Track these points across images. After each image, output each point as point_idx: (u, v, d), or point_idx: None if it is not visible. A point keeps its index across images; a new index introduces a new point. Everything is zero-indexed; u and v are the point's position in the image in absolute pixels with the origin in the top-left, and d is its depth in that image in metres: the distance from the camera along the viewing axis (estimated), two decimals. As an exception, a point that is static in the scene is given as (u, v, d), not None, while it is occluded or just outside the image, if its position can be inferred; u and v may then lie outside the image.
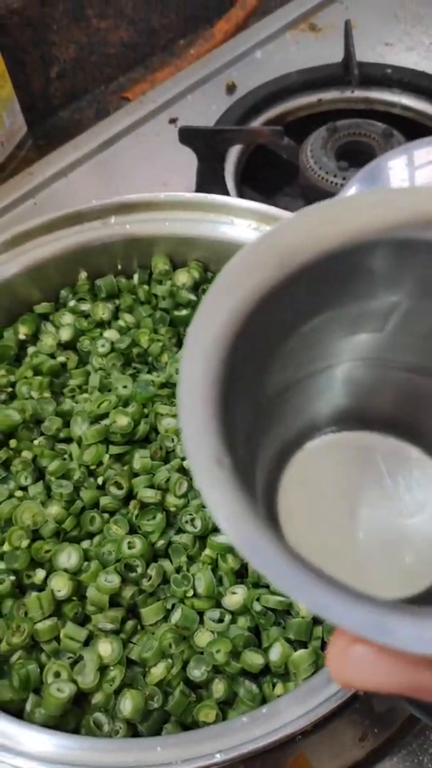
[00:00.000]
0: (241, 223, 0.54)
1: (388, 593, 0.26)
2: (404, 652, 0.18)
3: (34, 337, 0.54)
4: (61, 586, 0.43)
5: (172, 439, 0.48)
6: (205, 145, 0.71)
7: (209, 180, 0.71)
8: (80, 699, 0.41)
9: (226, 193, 0.68)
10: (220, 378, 0.21)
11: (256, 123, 0.78)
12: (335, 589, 0.19)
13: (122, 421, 0.47)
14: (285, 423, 0.29)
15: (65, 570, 0.43)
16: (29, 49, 0.83)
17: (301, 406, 0.29)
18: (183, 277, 0.55)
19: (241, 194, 0.70)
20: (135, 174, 0.76)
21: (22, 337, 0.53)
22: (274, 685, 0.41)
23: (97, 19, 0.88)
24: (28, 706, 0.40)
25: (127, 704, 0.39)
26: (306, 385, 0.29)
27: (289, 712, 0.35)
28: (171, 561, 0.45)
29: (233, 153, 0.73)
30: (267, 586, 0.43)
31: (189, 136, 0.72)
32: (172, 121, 0.80)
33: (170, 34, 0.96)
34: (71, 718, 0.40)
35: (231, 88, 0.82)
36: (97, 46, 0.89)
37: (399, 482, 0.29)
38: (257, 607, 0.42)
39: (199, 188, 0.71)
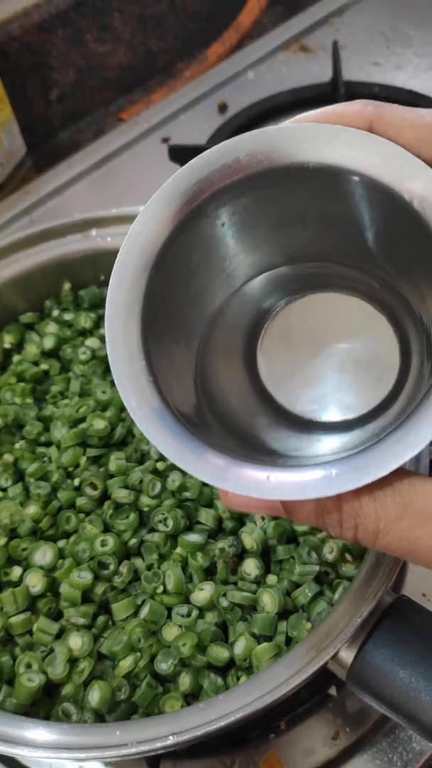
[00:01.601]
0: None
1: (344, 413, 0.35)
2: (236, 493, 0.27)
3: (19, 346, 0.56)
4: (35, 582, 0.44)
5: (147, 443, 0.49)
6: (194, 162, 0.74)
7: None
8: (50, 690, 0.42)
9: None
10: (144, 290, 0.29)
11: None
12: (196, 451, 0.27)
13: (99, 424, 0.49)
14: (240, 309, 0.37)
15: (40, 567, 0.45)
16: (29, 74, 0.86)
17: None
18: (164, 288, 0.57)
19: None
20: (128, 191, 0.78)
21: (7, 346, 0.55)
22: (238, 678, 0.42)
23: (95, 43, 0.91)
24: (0, 696, 0.41)
25: (95, 695, 0.41)
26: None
27: (244, 698, 0.36)
28: (143, 559, 0.46)
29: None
30: (235, 583, 0.45)
31: (179, 154, 0.75)
32: (165, 140, 0.83)
33: (168, 57, 0.99)
34: (41, 707, 0.41)
35: (223, 108, 0.85)
36: (96, 69, 0.92)
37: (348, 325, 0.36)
38: (224, 602, 0.43)
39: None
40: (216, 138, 0.79)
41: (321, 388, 0.36)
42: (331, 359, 0.36)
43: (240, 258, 0.35)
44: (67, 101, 0.92)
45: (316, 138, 0.29)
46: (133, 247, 0.30)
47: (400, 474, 0.27)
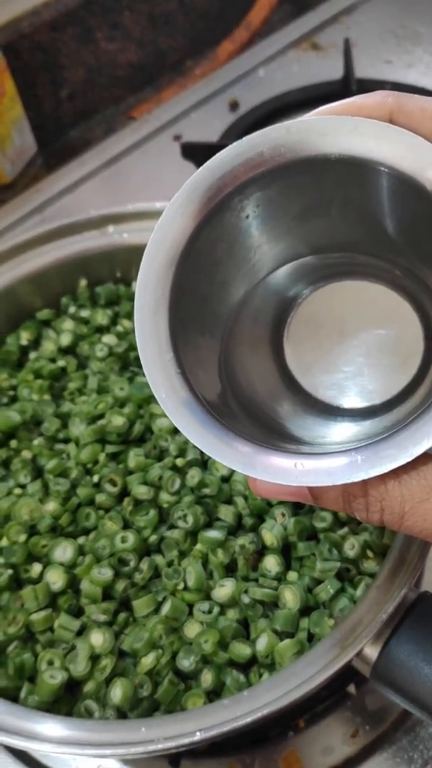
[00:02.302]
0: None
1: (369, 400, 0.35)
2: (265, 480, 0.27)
3: (36, 343, 0.56)
4: (56, 578, 0.44)
5: (166, 439, 0.49)
6: (207, 159, 0.73)
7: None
8: (73, 687, 0.42)
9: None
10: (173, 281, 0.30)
11: (258, 139, 0.80)
12: (225, 440, 0.28)
13: (118, 421, 0.49)
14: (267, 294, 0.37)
15: (61, 564, 0.45)
16: (40, 72, 0.86)
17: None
18: (180, 284, 0.57)
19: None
20: (140, 189, 0.78)
21: (24, 342, 0.55)
22: (260, 675, 0.42)
23: (105, 42, 0.91)
24: (22, 693, 0.41)
25: (117, 692, 0.40)
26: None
27: (268, 695, 0.36)
28: (163, 555, 0.46)
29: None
30: (256, 580, 0.45)
31: (191, 151, 0.75)
32: (177, 138, 0.83)
33: (178, 55, 0.99)
34: (63, 704, 0.41)
35: (234, 106, 0.85)
36: (106, 67, 0.92)
37: (372, 313, 0.37)
38: (245, 599, 0.43)
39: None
40: (228, 136, 0.79)
41: (346, 375, 0.37)
42: (356, 346, 0.37)
43: (265, 249, 0.35)
44: (78, 99, 0.92)
45: (337, 130, 0.29)
46: (160, 243, 0.30)
47: (424, 458, 0.28)
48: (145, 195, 0.77)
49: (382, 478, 0.28)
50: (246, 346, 0.36)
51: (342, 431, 0.35)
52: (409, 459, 0.26)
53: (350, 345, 0.36)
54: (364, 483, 0.28)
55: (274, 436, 0.33)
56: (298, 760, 0.48)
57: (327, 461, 0.27)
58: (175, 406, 0.28)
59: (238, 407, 0.33)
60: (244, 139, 0.31)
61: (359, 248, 0.36)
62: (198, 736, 0.34)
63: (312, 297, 0.38)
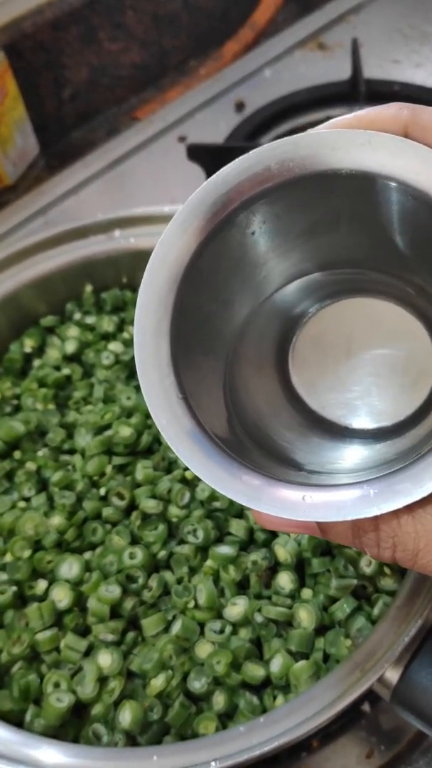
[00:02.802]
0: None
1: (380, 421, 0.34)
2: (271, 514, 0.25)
3: (40, 350, 0.55)
4: (62, 596, 0.43)
5: (175, 450, 0.48)
6: (213, 161, 0.72)
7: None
8: (80, 710, 0.40)
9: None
10: (174, 305, 0.28)
11: (265, 140, 0.79)
12: (229, 470, 0.26)
13: (125, 432, 0.47)
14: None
15: (66, 580, 0.43)
16: (42, 72, 0.85)
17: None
18: (187, 290, 0.55)
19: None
20: (144, 191, 0.77)
21: (28, 350, 0.54)
22: (275, 697, 0.40)
23: (108, 41, 0.89)
24: (28, 717, 0.40)
25: (126, 715, 0.39)
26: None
27: (286, 721, 0.34)
28: (172, 572, 0.44)
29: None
30: (269, 597, 0.43)
31: (197, 153, 0.73)
32: (182, 139, 0.81)
33: (181, 55, 0.98)
34: (70, 728, 0.39)
35: (240, 107, 0.83)
36: (109, 68, 0.91)
37: (382, 330, 0.35)
38: (258, 618, 0.42)
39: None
40: (234, 137, 0.78)
41: (355, 394, 0.35)
42: (365, 365, 0.35)
43: (271, 266, 0.34)
44: (80, 100, 0.90)
45: (349, 143, 0.28)
46: (162, 260, 0.29)
47: None
48: (150, 197, 0.75)
49: (395, 512, 0.26)
50: (251, 367, 0.35)
51: (352, 455, 0.34)
52: (424, 494, 0.24)
53: (359, 364, 0.35)
54: (376, 517, 0.26)
55: (282, 464, 0.31)
56: (311, 782, 0.46)
57: (337, 494, 0.25)
58: (177, 435, 0.27)
59: (243, 433, 0.32)
60: (250, 152, 0.29)
61: (369, 264, 0.35)
62: (213, 766, 0.33)
63: (319, 315, 0.36)
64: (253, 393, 0.34)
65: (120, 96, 0.94)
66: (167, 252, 0.29)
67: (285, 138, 0.29)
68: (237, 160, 0.29)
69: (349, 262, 0.35)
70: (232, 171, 0.29)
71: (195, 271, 0.29)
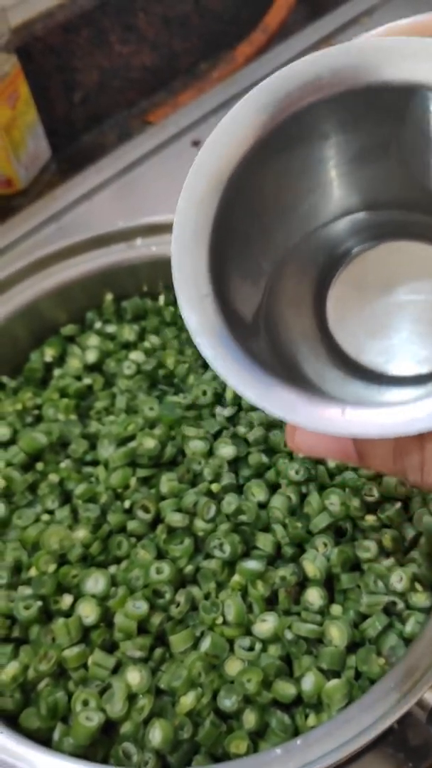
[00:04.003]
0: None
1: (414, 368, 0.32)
2: (308, 428, 0.24)
3: (60, 360, 0.54)
4: (88, 612, 0.42)
5: (200, 462, 0.47)
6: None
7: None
8: (108, 728, 0.40)
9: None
10: (216, 218, 0.27)
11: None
12: (265, 383, 0.25)
13: (149, 443, 0.47)
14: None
15: (93, 595, 0.42)
16: (53, 75, 0.84)
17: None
18: (209, 299, 0.55)
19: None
20: (158, 196, 0.76)
21: (48, 359, 0.53)
22: (306, 716, 0.39)
23: (119, 44, 0.89)
24: (56, 735, 0.39)
25: (156, 734, 0.38)
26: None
27: (324, 744, 0.34)
28: (200, 587, 0.44)
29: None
30: (298, 614, 0.43)
31: (212, 158, 0.73)
32: (195, 143, 0.80)
33: (192, 58, 0.97)
34: (100, 747, 0.39)
35: (253, 111, 0.83)
36: (120, 70, 0.90)
37: (426, 276, 0.33)
38: (288, 635, 0.41)
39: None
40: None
41: (394, 339, 0.34)
42: (406, 310, 0.34)
43: (315, 197, 0.32)
44: (90, 103, 0.90)
45: (402, 52, 0.26)
46: (207, 162, 0.28)
47: None
48: (164, 203, 0.74)
49: None
50: (288, 303, 0.33)
51: (389, 399, 0.32)
52: None
53: (400, 309, 0.34)
54: (421, 438, 0.25)
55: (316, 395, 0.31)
56: (339, 799, 0.46)
57: (378, 411, 0.24)
58: (212, 346, 0.26)
59: (278, 364, 0.31)
60: (300, 60, 0.27)
61: (417, 206, 0.33)
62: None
63: (361, 257, 0.35)
64: (289, 330, 0.33)
65: (130, 99, 0.94)
66: (212, 155, 0.28)
67: (337, 45, 0.27)
68: (287, 67, 0.27)
69: (397, 201, 0.33)
70: (280, 79, 0.27)
71: (239, 184, 0.28)
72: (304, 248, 0.34)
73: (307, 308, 0.34)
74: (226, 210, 0.27)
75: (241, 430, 0.49)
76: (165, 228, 0.54)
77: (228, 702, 0.40)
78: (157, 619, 0.42)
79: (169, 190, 0.75)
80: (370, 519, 0.45)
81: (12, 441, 0.49)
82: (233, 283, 0.28)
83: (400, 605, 0.42)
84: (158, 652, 0.42)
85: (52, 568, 0.43)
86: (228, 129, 0.28)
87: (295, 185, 0.31)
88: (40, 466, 0.48)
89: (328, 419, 0.24)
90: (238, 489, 0.47)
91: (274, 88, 0.27)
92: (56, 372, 0.53)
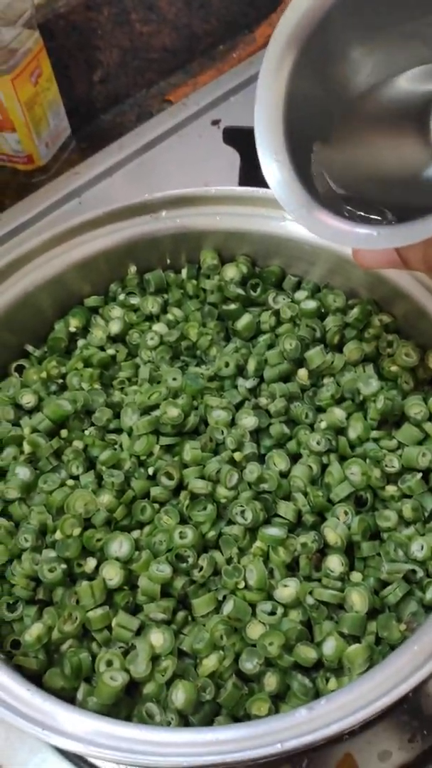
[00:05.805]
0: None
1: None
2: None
3: (85, 330, 0.54)
4: (112, 574, 0.42)
5: (222, 432, 0.47)
6: (250, 144, 0.71)
7: (253, 179, 0.71)
8: (131, 689, 0.40)
9: (270, 192, 0.68)
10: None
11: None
12: (327, 217, 0.36)
13: (173, 412, 0.47)
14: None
15: (117, 559, 0.43)
16: (74, 53, 0.84)
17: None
18: (231, 272, 0.55)
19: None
20: (177, 175, 0.76)
21: (72, 329, 0.53)
22: (327, 680, 0.40)
23: (140, 23, 0.88)
24: (79, 695, 0.40)
25: (179, 695, 0.39)
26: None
27: (349, 705, 0.34)
28: (222, 552, 0.44)
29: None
30: (318, 580, 0.43)
31: (233, 136, 0.73)
32: (215, 122, 0.80)
33: (211, 39, 0.97)
34: (123, 707, 0.39)
35: (274, 91, 0.83)
36: (140, 50, 0.90)
37: None
38: (310, 600, 0.42)
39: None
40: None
41: None
42: None
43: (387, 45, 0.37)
44: (111, 83, 0.90)
45: None
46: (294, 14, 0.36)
47: None
48: (183, 181, 0.75)
49: None
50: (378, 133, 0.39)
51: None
52: None
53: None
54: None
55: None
56: (355, 765, 0.46)
57: (398, 227, 0.33)
58: (289, 190, 0.39)
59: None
60: None
61: None
62: (278, 747, 0.32)
63: None
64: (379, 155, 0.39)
65: (149, 79, 0.93)
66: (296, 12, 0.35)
67: None
68: None
69: None
70: None
71: (320, 37, 0.36)
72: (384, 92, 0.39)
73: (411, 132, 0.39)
74: (307, 57, 0.37)
75: (263, 401, 0.49)
76: (191, 200, 0.54)
77: (249, 665, 0.40)
78: (180, 583, 0.43)
79: (188, 168, 0.76)
80: (391, 489, 0.45)
81: (37, 408, 0.50)
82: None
83: (420, 573, 0.42)
84: (181, 615, 0.42)
85: (77, 531, 0.44)
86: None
87: (367, 36, 0.37)
88: (64, 433, 0.48)
89: (365, 238, 0.34)
90: (260, 458, 0.47)
91: None
92: (80, 342, 0.53)
